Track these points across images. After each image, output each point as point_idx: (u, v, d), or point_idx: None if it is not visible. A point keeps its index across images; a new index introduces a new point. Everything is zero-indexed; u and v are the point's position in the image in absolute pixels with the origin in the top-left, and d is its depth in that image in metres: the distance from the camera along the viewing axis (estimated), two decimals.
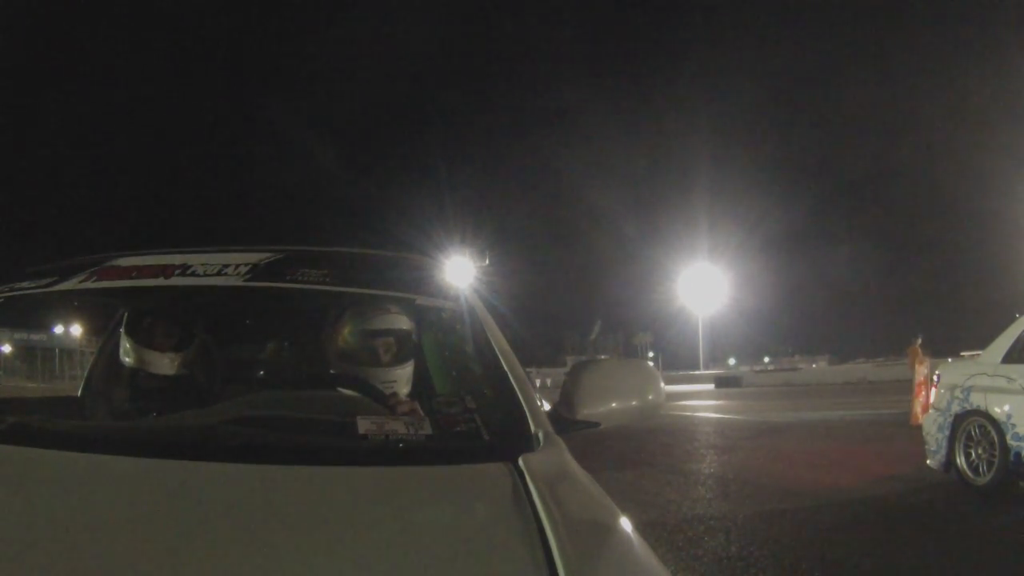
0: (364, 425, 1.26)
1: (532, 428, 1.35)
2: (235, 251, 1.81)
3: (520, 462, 1.16)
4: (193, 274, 1.71)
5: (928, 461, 6.17)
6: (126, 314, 1.97)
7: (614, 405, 1.59)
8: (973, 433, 5.70)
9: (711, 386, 37.69)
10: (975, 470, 5.65)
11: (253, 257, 1.75)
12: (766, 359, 77.73)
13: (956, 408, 5.87)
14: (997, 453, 5.41)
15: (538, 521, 0.95)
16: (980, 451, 5.61)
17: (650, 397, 1.62)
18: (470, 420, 1.36)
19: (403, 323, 1.81)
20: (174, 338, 1.91)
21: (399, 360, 1.78)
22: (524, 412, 1.40)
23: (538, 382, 25.99)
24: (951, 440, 5.86)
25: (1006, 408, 5.38)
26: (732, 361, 76.98)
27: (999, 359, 5.66)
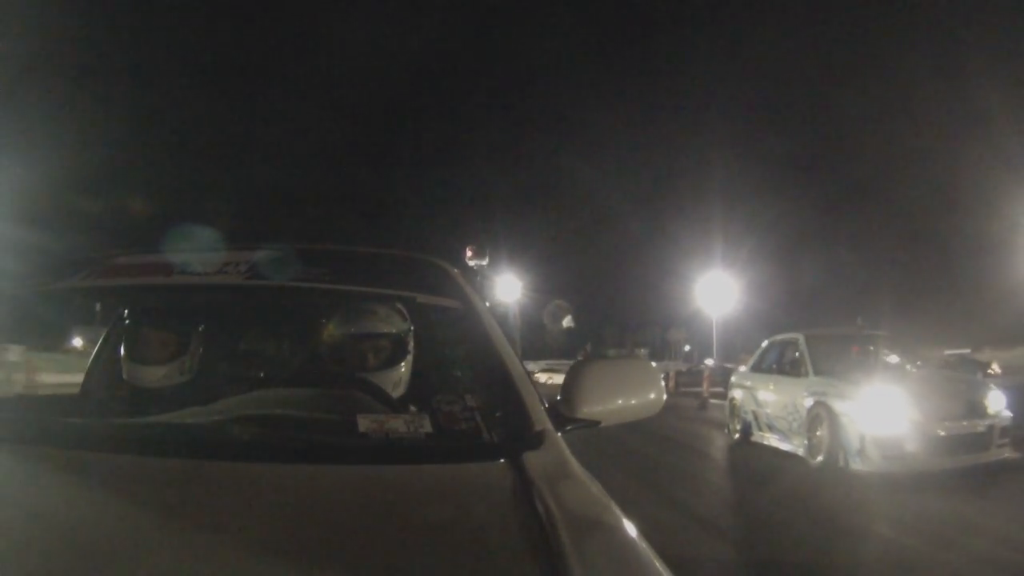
0: (364, 423, 1.26)
1: (533, 427, 1.36)
2: (235, 249, 1.79)
3: (521, 461, 1.17)
4: (193, 273, 1.70)
5: (726, 429, 10.46)
6: (124, 329, 1.95)
7: (614, 403, 1.56)
8: (734, 411, 9.99)
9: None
10: (735, 432, 9.94)
11: (253, 255, 1.73)
12: None
13: (730, 395, 10.19)
14: (740, 422, 9.72)
15: (538, 520, 0.97)
16: (736, 423, 9.90)
17: (651, 395, 1.60)
18: (471, 419, 1.37)
19: (392, 325, 1.80)
20: (169, 348, 1.85)
21: (387, 364, 1.78)
22: (525, 411, 1.40)
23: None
24: (730, 415, 10.16)
25: (741, 396, 9.71)
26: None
27: (749, 369, 9.94)
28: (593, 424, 1.55)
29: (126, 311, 2.00)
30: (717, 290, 31.96)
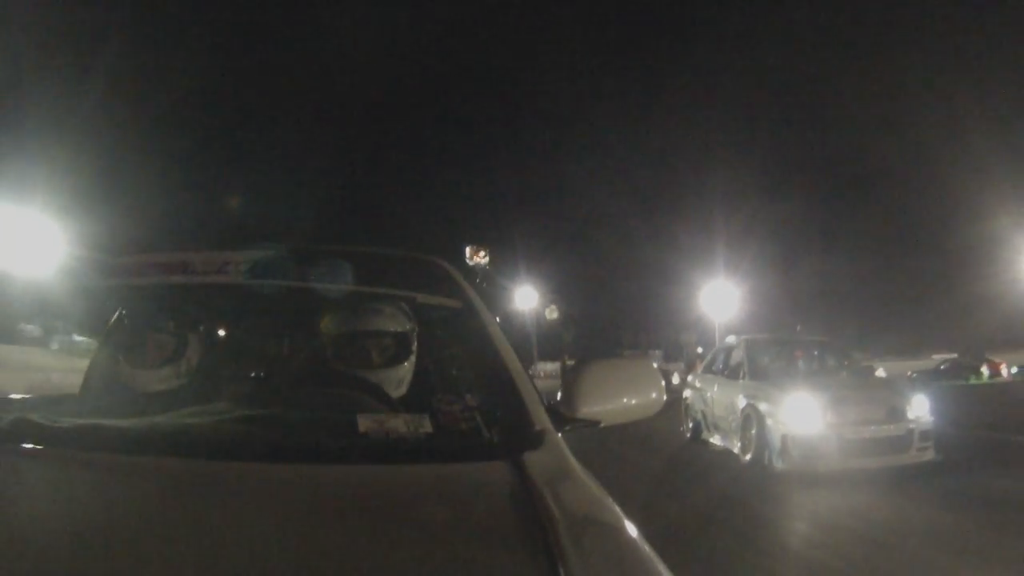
0: (365, 423, 1.25)
1: (533, 426, 1.35)
2: (236, 249, 1.79)
3: (521, 461, 1.17)
4: (193, 272, 1.70)
5: (682, 427, 10.86)
6: (120, 332, 1.92)
7: (615, 403, 1.56)
8: (687, 411, 10.40)
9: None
10: (686, 432, 10.34)
11: (253, 255, 1.73)
12: None
13: (684, 396, 10.60)
14: (691, 422, 10.10)
15: (539, 520, 0.96)
16: (688, 422, 10.31)
17: (652, 395, 1.59)
18: (471, 418, 1.37)
19: (398, 324, 1.77)
20: (166, 351, 1.81)
21: (391, 362, 1.74)
22: (525, 410, 1.40)
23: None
24: (683, 415, 10.57)
25: (692, 397, 10.20)
26: None
27: (702, 371, 10.32)
28: (593, 424, 1.55)
29: (121, 312, 1.99)
30: (720, 295, 32.73)
